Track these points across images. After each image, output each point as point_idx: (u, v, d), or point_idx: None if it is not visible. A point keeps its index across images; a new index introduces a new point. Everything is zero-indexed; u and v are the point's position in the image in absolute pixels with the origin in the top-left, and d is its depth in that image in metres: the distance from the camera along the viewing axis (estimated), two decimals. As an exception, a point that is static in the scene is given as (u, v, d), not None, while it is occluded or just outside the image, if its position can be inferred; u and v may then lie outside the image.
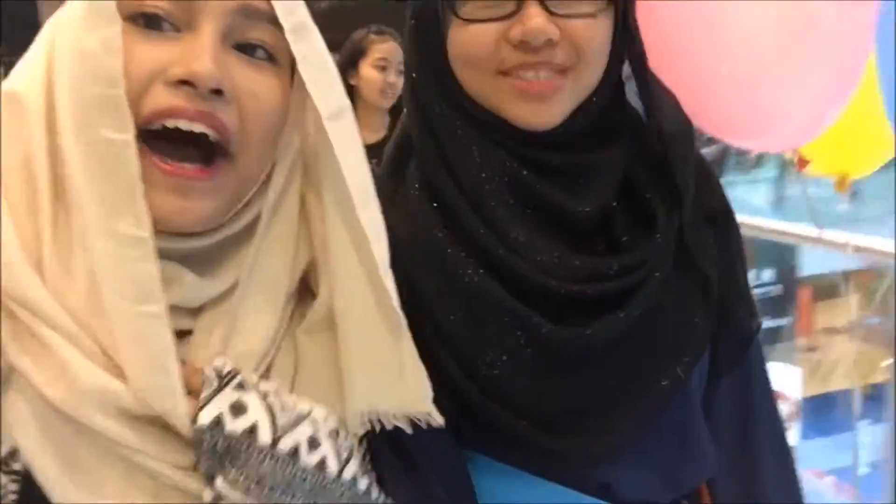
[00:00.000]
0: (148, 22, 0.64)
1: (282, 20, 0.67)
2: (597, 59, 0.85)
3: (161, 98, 0.63)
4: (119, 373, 0.62)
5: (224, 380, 0.66)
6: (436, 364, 0.78)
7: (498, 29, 0.81)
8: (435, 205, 0.87)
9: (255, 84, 0.67)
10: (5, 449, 0.62)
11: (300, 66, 0.67)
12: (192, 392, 0.65)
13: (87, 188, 0.62)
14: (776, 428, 1.04)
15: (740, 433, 1.00)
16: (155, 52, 0.63)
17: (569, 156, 0.87)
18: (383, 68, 2.82)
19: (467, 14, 0.82)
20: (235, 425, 0.64)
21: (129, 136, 0.62)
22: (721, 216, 0.97)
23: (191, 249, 0.68)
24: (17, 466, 0.62)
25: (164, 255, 0.64)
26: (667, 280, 0.88)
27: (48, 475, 0.61)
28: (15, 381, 0.62)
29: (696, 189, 0.93)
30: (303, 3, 0.70)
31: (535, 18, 0.79)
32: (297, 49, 0.67)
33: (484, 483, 0.87)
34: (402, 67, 2.77)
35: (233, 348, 0.69)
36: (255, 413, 0.65)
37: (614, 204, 0.89)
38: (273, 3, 0.67)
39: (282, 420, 0.66)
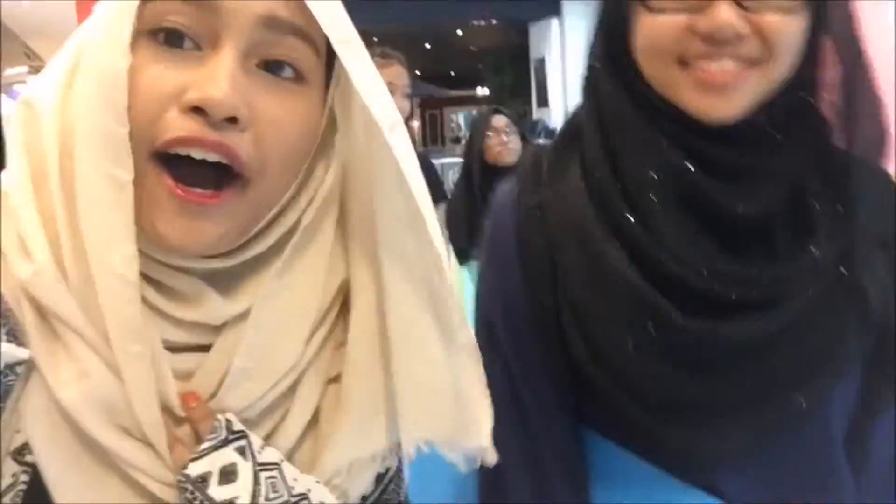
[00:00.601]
0: (168, 38, 0.60)
1: (327, 31, 0.63)
2: (786, 55, 0.82)
3: (176, 125, 0.59)
4: None
5: (230, 437, 0.64)
6: (566, 342, 0.87)
7: (686, 20, 0.80)
8: (591, 189, 0.88)
9: (277, 108, 0.62)
10: (20, 440, 0.62)
11: (354, 80, 0.64)
12: (194, 426, 0.64)
13: (86, 214, 0.60)
14: None
15: (887, 469, 0.93)
16: (173, 74, 0.60)
17: (741, 154, 0.84)
18: (389, 92, 2.77)
19: (657, 6, 0.82)
20: (218, 492, 0.62)
21: (129, 177, 0.59)
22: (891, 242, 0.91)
23: (212, 270, 0.66)
24: (29, 459, 0.62)
25: (187, 272, 0.64)
26: (819, 298, 0.85)
27: (51, 472, 0.61)
28: (34, 377, 0.62)
29: (876, 210, 0.89)
30: (345, 11, 0.66)
31: (724, 13, 0.78)
32: (347, 61, 0.63)
33: (595, 460, 0.92)
34: (408, 91, 2.90)
35: (250, 368, 0.66)
36: (241, 487, 0.63)
37: (779, 211, 0.86)
38: (316, 14, 0.63)
39: (271, 499, 0.64)
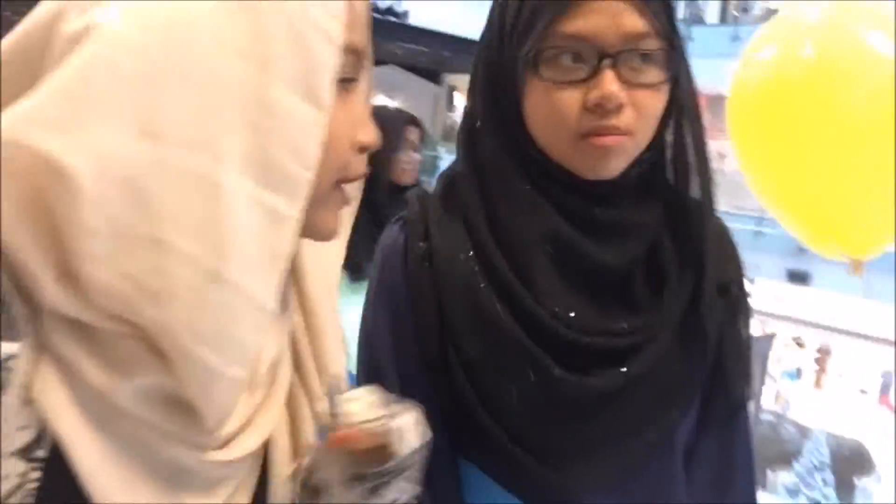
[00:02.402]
0: (344, 84, 0.64)
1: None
2: (652, 124, 0.95)
3: (359, 164, 0.67)
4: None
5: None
6: (454, 383, 0.94)
7: (577, 95, 0.90)
8: (473, 243, 0.96)
9: None
10: (26, 437, 0.59)
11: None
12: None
13: (231, 240, 0.56)
14: (750, 486, 1.11)
15: (719, 489, 1.07)
16: (345, 114, 0.64)
17: (612, 212, 0.96)
18: None
19: (550, 77, 0.91)
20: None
21: (297, 214, 0.59)
22: (735, 285, 1.05)
23: None
24: (41, 454, 0.59)
25: None
26: (671, 342, 0.97)
27: (88, 463, 0.58)
28: (49, 372, 0.58)
29: (715, 257, 1.01)
30: None
31: (610, 84, 0.88)
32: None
33: (471, 490, 0.99)
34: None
35: None
36: None
37: (638, 265, 0.98)
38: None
39: None
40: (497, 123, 0.97)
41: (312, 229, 0.65)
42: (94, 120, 0.51)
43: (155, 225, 0.53)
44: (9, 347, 0.59)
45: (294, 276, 0.75)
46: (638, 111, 0.91)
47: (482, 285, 0.94)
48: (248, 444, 0.65)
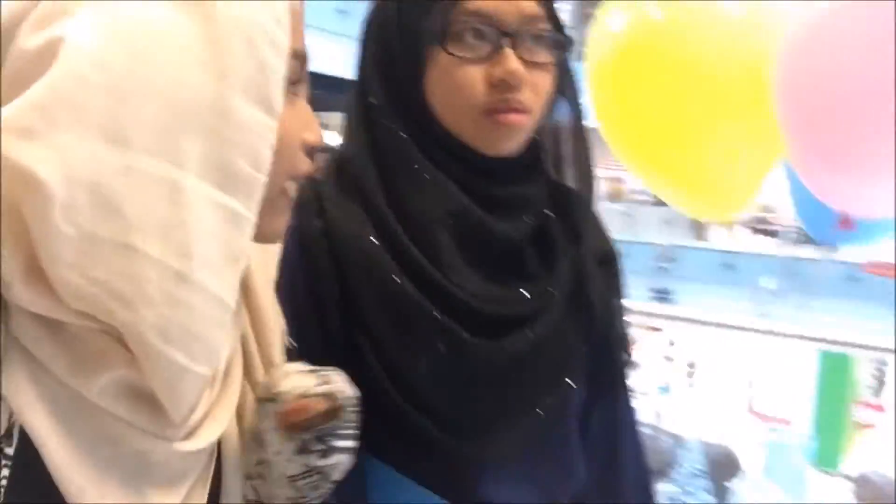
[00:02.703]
0: (291, 87, 0.66)
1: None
2: (543, 103, 0.97)
3: (304, 163, 0.69)
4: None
5: None
6: (362, 362, 0.91)
7: (480, 71, 0.92)
8: (373, 221, 0.95)
9: None
10: None
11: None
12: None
13: (195, 241, 0.58)
14: (638, 446, 1.16)
15: (608, 452, 1.11)
16: (293, 116, 0.66)
17: (508, 188, 0.98)
18: None
19: (455, 51, 0.92)
20: None
21: (253, 215, 0.61)
22: (610, 258, 1.10)
23: None
24: (9, 451, 0.58)
25: None
26: (563, 308, 1.00)
27: (58, 458, 0.58)
28: (18, 368, 0.58)
29: (593, 231, 1.08)
30: None
31: (513, 61, 0.92)
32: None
33: (374, 487, 0.97)
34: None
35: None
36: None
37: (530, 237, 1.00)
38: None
39: None
40: (394, 100, 0.97)
41: (263, 231, 0.66)
42: (63, 129, 0.53)
43: (124, 230, 0.55)
44: None
45: None
46: (534, 90, 0.95)
47: (387, 261, 0.94)
48: (209, 434, 0.66)
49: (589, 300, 1.03)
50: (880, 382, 4.29)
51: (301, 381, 0.74)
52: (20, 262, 0.55)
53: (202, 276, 0.58)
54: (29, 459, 0.58)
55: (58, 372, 0.59)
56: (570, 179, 1.06)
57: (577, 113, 1.04)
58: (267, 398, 0.74)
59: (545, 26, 0.95)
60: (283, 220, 0.71)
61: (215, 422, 0.67)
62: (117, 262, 0.55)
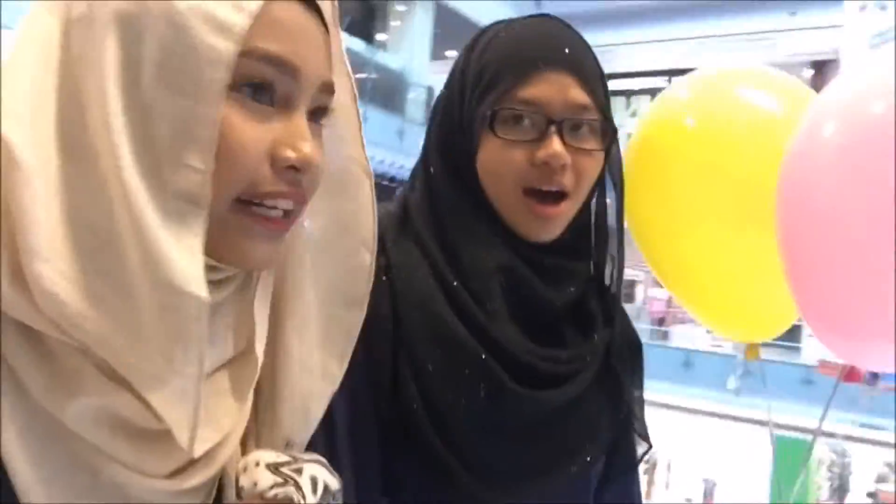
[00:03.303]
0: (255, 92, 0.62)
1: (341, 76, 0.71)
2: (587, 187, 1.06)
3: (273, 181, 0.63)
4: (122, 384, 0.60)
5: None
6: (402, 394, 0.98)
7: (525, 153, 1.01)
8: (427, 260, 1.04)
9: (320, 151, 0.68)
10: None
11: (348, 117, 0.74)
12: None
13: (149, 238, 0.58)
14: None
15: None
16: (262, 130, 0.62)
17: (556, 259, 1.06)
18: None
19: (503, 134, 1.01)
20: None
21: (203, 205, 0.60)
22: (636, 348, 1.18)
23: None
24: None
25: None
26: (593, 379, 1.06)
27: (23, 482, 0.58)
28: (3, 391, 0.58)
29: (623, 317, 1.16)
30: None
31: (557, 145, 1.00)
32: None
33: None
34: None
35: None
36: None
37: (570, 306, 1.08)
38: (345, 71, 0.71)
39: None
40: (451, 174, 1.06)
41: (234, 253, 0.64)
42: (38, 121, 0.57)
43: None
44: None
45: (273, 316, 0.74)
46: (577, 174, 1.02)
47: (441, 300, 1.01)
48: (197, 476, 0.64)
49: (618, 379, 1.10)
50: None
51: (263, 477, 0.70)
52: (7, 260, 0.57)
53: (166, 273, 0.58)
54: (5, 477, 0.58)
55: (34, 390, 0.58)
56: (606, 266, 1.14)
57: (620, 201, 1.13)
58: (236, 486, 0.72)
59: (592, 116, 1.03)
60: (254, 243, 0.65)
61: (209, 462, 0.65)
62: (90, 257, 0.57)
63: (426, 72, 17.22)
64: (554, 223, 1.04)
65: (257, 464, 0.71)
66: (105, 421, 0.59)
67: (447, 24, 17.07)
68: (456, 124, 1.06)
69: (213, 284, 0.63)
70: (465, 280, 1.02)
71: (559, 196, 1.02)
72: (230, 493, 0.70)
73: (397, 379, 0.99)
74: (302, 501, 0.69)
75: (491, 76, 1.03)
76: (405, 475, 0.99)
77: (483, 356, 0.98)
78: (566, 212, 1.04)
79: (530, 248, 1.05)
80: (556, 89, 1.01)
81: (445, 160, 1.07)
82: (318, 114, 0.68)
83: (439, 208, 1.06)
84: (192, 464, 0.63)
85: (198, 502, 0.66)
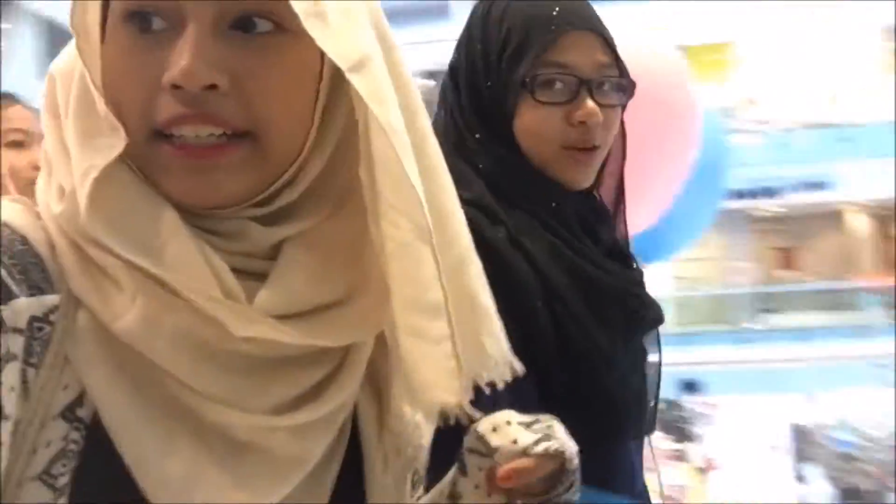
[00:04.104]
0: (141, 21, 0.61)
1: None
2: (612, 139, 1.18)
3: (166, 107, 0.60)
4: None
5: None
6: (539, 348, 1.04)
7: (562, 112, 1.12)
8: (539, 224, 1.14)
9: (255, 63, 0.61)
10: (69, 396, 0.58)
11: (304, 23, 0.59)
12: None
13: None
14: None
15: None
16: (152, 57, 0.60)
17: (588, 203, 1.20)
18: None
19: (541, 97, 1.12)
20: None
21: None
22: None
23: (252, 217, 0.64)
24: (81, 414, 0.57)
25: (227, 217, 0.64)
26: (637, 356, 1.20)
27: (114, 422, 0.57)
28: (82, 322, 0.58)
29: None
30: None
31: (591, 104, 1.12)
32: (297, 6, 0.60)
33: None
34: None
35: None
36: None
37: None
38: None
39: None
40: (491, 138, 1.15)
41: (163, 191, 0.62)
42: None
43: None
44: (51, 300, 0.58)
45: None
46: (605, 128, 1.15)
47: (565, 249, 1.11)
48: (306, 411, 0.61)
49: (651, 361, 1.21)
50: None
51: (521, 434, 0.66)
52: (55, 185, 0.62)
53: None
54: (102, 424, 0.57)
55: (108, 319, 0.58)
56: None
57: (622, 148, 1.23)
58: (475, 449, 0.68)
59: (614, 73, 1.15)
60: (174, 178, 0.61)
61: (322, 399, 0.62)
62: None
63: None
64: (591, 170, 1.16)
65: (508, 422, 0.67)
66: (182, 343, 0.58)
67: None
68: (487, 92, 1.15)
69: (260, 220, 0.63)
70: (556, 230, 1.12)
71: (593, 147, 1.13)
72: (370, 436, 0.67)
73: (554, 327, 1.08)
74: (571, 453, 0.66)
75: (519, 42, 1.12)
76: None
77: (625, 296, 1.13)
78: (599, 160, 1.17)
79: (573, 195, 1.16)
80: (584, 51, 1.12)
81: (482, 128, 1.15)
82: (246, 24, 0.61)
83: (492, 170, 1.14)
84: (300, 399, 0.61)
85: (324, 444, 0.63)
